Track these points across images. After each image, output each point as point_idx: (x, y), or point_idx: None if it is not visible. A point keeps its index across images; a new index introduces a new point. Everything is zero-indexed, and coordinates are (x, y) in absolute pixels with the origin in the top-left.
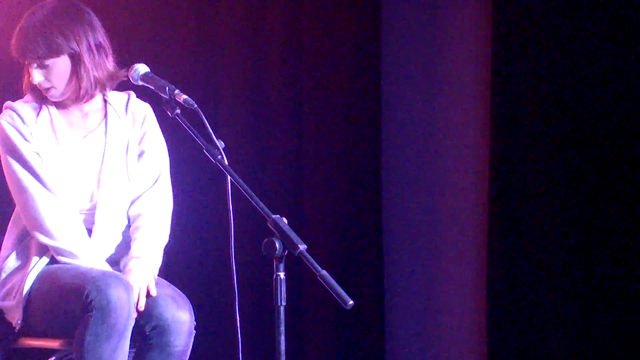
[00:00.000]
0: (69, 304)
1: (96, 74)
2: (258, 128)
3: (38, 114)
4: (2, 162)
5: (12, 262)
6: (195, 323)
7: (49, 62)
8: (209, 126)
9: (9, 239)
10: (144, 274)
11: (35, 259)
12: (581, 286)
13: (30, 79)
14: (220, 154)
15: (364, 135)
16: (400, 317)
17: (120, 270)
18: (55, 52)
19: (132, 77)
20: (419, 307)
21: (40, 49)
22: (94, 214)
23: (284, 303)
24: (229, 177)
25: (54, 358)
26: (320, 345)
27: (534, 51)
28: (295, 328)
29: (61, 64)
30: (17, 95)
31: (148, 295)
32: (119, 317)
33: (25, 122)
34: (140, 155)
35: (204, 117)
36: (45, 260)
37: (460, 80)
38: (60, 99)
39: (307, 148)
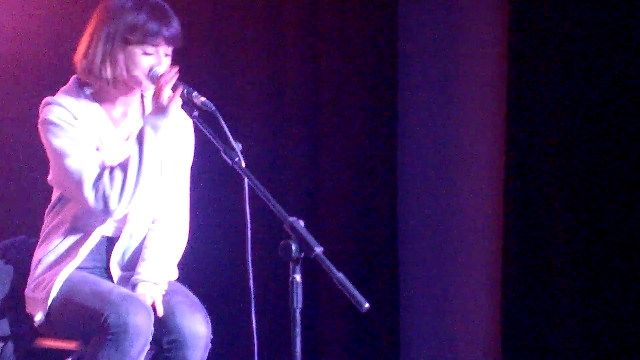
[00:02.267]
0: (87, 323)
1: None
2: (274, 131)
3: (86, 109)
4: (48, 144)
5: (53, 255)
6: (211, 336)
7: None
8: (226, 128)
9: (50, 232)
10: (152, 295)
11: (72, 257)
12: (596, 287)
13: (158, 66)
14: (238, 156)
15: (380, 138)
16: (415, 319)
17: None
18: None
19: (150, 78)
20: (434, 309)
21: (181, 36)
22: (123, 221)
23: (300, 305)
24: (246, 179)
25: (70, 359)
26: (335, 347)
27: (550, 54)
28: (310, 330)
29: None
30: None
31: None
32: (134, 345)
33: (77, 118)
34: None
35: (221, 119)
36: (76, 262)
37: (476, 81)
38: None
39: (323, 151)
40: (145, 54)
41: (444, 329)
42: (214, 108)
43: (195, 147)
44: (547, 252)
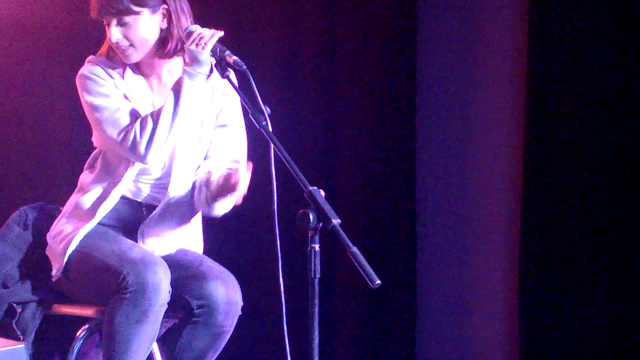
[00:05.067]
0: (105, 280)
1: (181, 33)
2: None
3: (123, 75)
4: (84, 105)
5: (76, 208)
6: (242, 303)
7: (129, 19)
8: (256, 90)
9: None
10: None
11: (91, 216)
12: (614, 287)
13: (108, 38)
14: (265, 119)
15: (399, 124)
16: (431, 306)
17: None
18: (140, 7)
19: (184, 38)
20: (450, 299)
21: (120, 4)
22: (165, 184)
23: (318, 275)
24: (272, 145)
25: (87, 325)
26: (351, 323)
27: (570, 52)
28: (327, 302)
29: (143, 21)
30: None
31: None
32: (153, 304)
33: (113, 77)
34: (222, 126)
35: (252, 80)
36: (96, 220)
37: (495, 80)
38: (136, 61)
39: (342, 134)
40: (106, 26)
41: (461, 321)
42: (245, 67)
43: None
44: (565, 251)
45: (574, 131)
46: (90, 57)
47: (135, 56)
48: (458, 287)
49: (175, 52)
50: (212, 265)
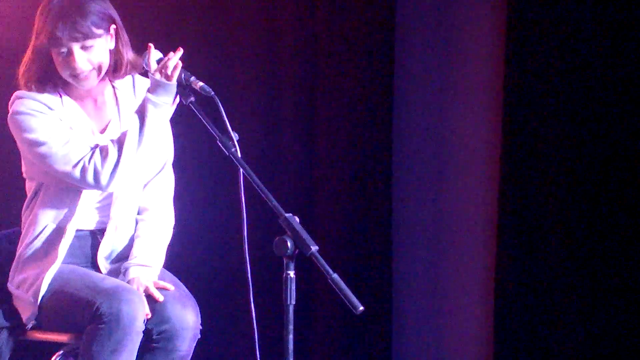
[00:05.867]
0: (79, 314)
1: (129, 54)
2: (269, 129)
3: (62, 103)
4: (23, 143)
5: (30, 251)
6: (201, 327)
7: (92, 42)
8: (225, 116)
9: (27, 228)
10: (145, 280)
11: (53, 256)
12: (590, 288)
13: (72, 64)
14: (234, 146)
15: (375, 137)
16: (407, 318)
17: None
18: (100, 30)
19: (144, 63)
20: (426, 309)
21: (88, 27)
22: (108, 205)
23: (293, 302)
24: (241, 170)
25: (61, 351)
26: (327, 345)
27: (548, 55)
28: (303, 327)
29: (102, 43)
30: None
31: (154, 300)
32: (128, 333)
33: (53, 109)
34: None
35: (220, 105)
36: (59, 262)
37: (472, 81)
38: (92, 86)
39: (319, 149)
40: (60, 54)
41: (436, 328)
42: (212, 93)
43: (187, 136)
44: (541, 253)
45: (551, 133)
46: (19, 92)
47: (94, 80)
48: (434, 290)
49: (126, 73)
50: (172, 290)
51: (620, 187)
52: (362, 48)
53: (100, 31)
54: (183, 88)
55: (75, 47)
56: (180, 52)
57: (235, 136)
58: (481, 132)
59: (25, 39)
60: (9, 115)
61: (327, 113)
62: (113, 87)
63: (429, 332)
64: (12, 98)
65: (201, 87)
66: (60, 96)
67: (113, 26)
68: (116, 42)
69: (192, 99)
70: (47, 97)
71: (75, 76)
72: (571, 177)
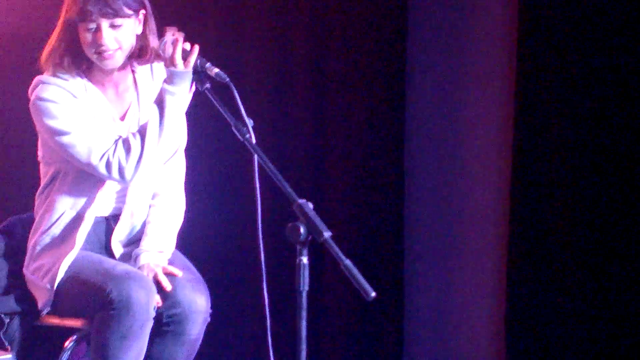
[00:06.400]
0: (90, 299)
1: (155, 42)
2: (281, 116)
3: (85, 89)
4: (45, 130)
5: (48, 238)
6: (211, 311)
7: (121, 21)
8: (239, 102)
9: (43, 214)
10: (155, 265)
11: (71, 243)
12: (602, 288)
13: (99, 40)
14: (249, 132)
15: (388, 125)
16: (419, 310)
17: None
18: (130, 11)
19: (161, 49)
20: (438, 302)
21: (119, 6)
22: (124, 191)
23: (306, 288)
24: (256, 157)
25: (75, 336)
26: (339, 332)
27: (559, 52)
28: (315, 314)
29: (131, 25)
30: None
31: (172, 275)
32: (137, 319)
33: (76, 96)
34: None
35: (235, 91)
36: (76, 249)
37: (484, 79)
38: (116, 66)
39: (331, 138)
40: (87, 30)
41: (448, 324)
42: (227, 79)
43: (202, 122)
44: (553, 251)
45: (564, 131)
46: (43, 77)
47: (117, 61)
48: (445, 286)
49: (150, 60)
50: (182, 274)
51: (635, 185)
52: (373, 45)
53: (130, 12)
54: (198, 75)
55: (104, 24)
56: (182, 40)
57: (250, 122)
58: (493, 129)
59: (31, 28)
60: (31, 100)
61: (339, 102)
62: (133, 71)
63: (440, 325)
64: (34, 82)
65: (216, 74)
66: (84, 84)
67: (143, 11)
68: (144, 27)
69: (208, 85)
70: (71, 84)
71: (100, 53)
72: (583, 174)
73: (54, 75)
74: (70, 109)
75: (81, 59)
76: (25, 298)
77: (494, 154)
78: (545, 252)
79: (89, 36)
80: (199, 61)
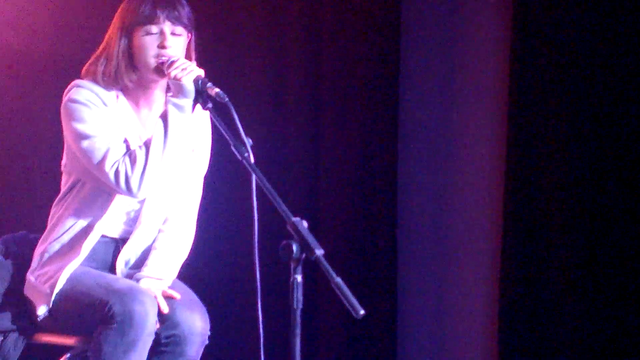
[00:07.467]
0: (90, 312)
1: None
2: (274, 132)
3: (117, 99)
4: (70, 133)
5: (58, 245)
6: (209, 333)
7: (181, 32)
8: (238, 122)
9: (57, 222)
10: (155, 291)
11: (76, 252)
12: (595, 288)
13: (164, 42)
14: (247, 151)
15: (380, 140)
16: (412, 321)
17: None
18: (190, 25)
19: (164, 68)
20: (431, 312)
21: (185, 16)
22: (136, 216)
23: (300, 306)
24: (254, 176)
25: (68, 354)
26: (333, 349)
27: (553, 53)
28: (309, 331)
29: (184, 39)
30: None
31: (171, 298)
32: (140, 334)
33: (107, 105)
34: (191, 149)
35: (234, 111)
36: (80, 258)
37: (478, 81)
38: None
39: (324, 152)
40: (149, 34)
41: (441, 329)
42: (227, 99)
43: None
44: (546, 252)
45: (556, 133)
46: (79, 81)
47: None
48: (439, 291)
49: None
50: (181, 295)
51: (627, 186)
52: (367, 49)
53: (189, 25)
54: (200, 94)
55: (168, 29)
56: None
57: (248, 142)
58: (486, 133)
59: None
60: (63, 101)
61: (332, 115)
62: (166, 95)
63: (434, 335)
64: (70, 85)
65: (217, 94)
66: (117, 94)
67: (191, 34)
68: (188, 48)
69: (210, 105)
70: (104, 92)
71: (158, 57)
72: (576, 176)
73: (91, 81)
74: (98, 115)
75: (122, 74)
76: (21, 315)
77: (488, 156)
78: (538, 253)
79: (149, 40)
80: (199, 80)
